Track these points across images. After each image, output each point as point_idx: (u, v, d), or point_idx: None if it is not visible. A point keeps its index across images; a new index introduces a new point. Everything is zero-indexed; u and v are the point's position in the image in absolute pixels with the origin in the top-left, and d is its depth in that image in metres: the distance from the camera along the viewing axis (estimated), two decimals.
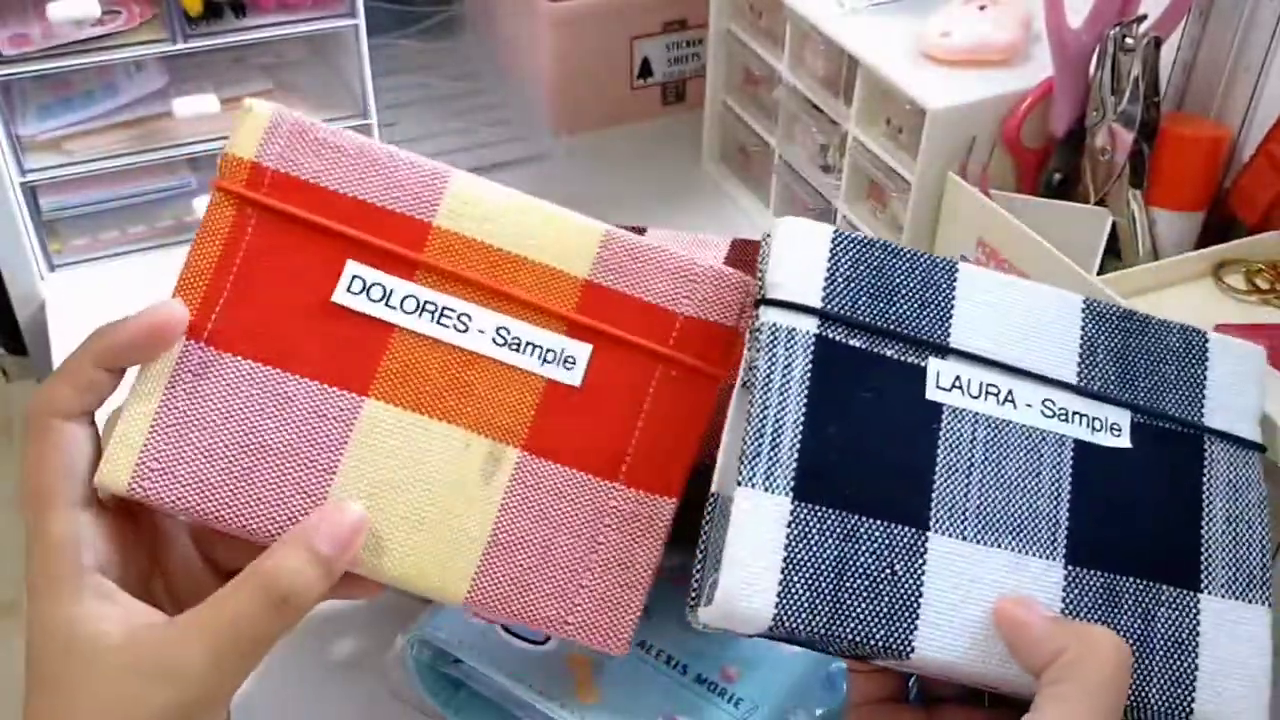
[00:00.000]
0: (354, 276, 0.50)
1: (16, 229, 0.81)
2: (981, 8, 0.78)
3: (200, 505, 0.47)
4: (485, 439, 0.50)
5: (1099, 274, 0.68)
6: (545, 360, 0.50)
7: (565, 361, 0.51)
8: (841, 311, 0.49)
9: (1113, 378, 0.51)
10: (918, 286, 0.50)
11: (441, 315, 0.50)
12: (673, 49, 1.04)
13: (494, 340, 0.50)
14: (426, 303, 0.50)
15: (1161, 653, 0.48)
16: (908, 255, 0.51)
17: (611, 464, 0.50)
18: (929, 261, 0.51)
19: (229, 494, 0.48)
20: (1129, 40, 0.70)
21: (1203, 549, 0.50)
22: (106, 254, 0.87)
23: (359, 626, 0.61)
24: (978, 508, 0.48)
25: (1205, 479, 0.51)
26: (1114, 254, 0.73)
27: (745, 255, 0.70)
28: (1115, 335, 0.52)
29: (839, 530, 0.46)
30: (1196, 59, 0.75)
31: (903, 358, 0.49)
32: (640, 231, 0.71)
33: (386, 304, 0.50)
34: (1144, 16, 0.71)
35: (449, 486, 0.49)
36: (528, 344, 0.51)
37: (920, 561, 0.47)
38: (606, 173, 0.99)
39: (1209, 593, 0.49)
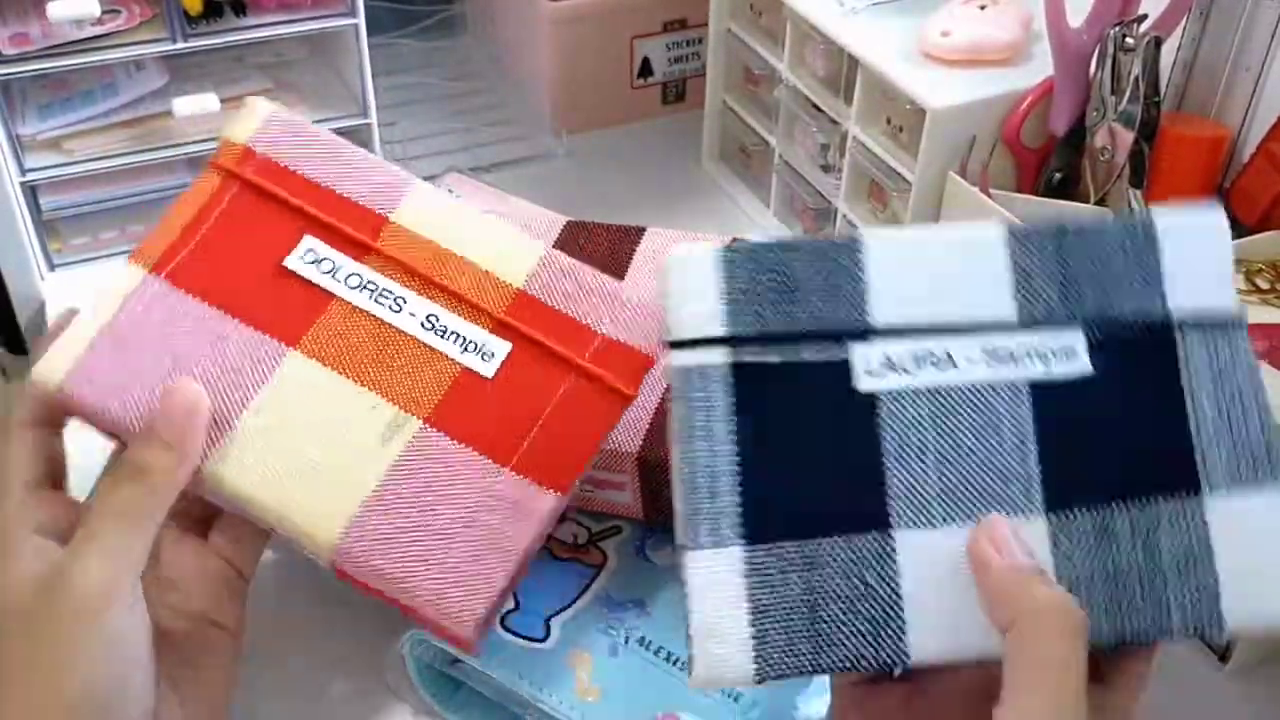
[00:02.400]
0: (308, 249, 0.54)
1: (16, 229, 0.81)
2: (981, 7, 0.78)
3: (119, 415, 0.50)
4: (392, 405, 0.53)
5: None
6: (465, 349, 0.54)
7: (484, 354, 0.54)
8: (749, 330, 0.46)
9: (1056, 300, 0.47)
10: (823, 275, 0.47)
11: (380, 294, 0.54)
12: (673, 49, 1.04)
13: (422, 324, 0.54)
14: (369, 281, 0.54)
15: (1174, 576, 0.44)
16: (806, 246, 0.47)
17: (506, 451, 0.52)
18: (829, 246, 0.47)
19: (148, 409, 0.50)
20: (1129, 40, 0.70)
21: (1195, 447, 0.45)
22: (106, 254, 0.87)
23: (359, 626, 0.61)
24: (939, 488, 0.45)
25: (1183, 372, 0.46)
26: None
27: None
28: (1050, 256, 0.47)
29: (800, 561, 0.44)
30: (1196, 59, 0.75)
31: (823, 357, 0.46)
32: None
33: (333, 277, 0.54)
34: (1144, 16, 0.71)
35: (347, 439, 0.52)
36: (452, 332, 0.54)
37: (891, 564, 0.44)
38: (606, 172, 0.99)
39: (1212, 491, 0.45)
